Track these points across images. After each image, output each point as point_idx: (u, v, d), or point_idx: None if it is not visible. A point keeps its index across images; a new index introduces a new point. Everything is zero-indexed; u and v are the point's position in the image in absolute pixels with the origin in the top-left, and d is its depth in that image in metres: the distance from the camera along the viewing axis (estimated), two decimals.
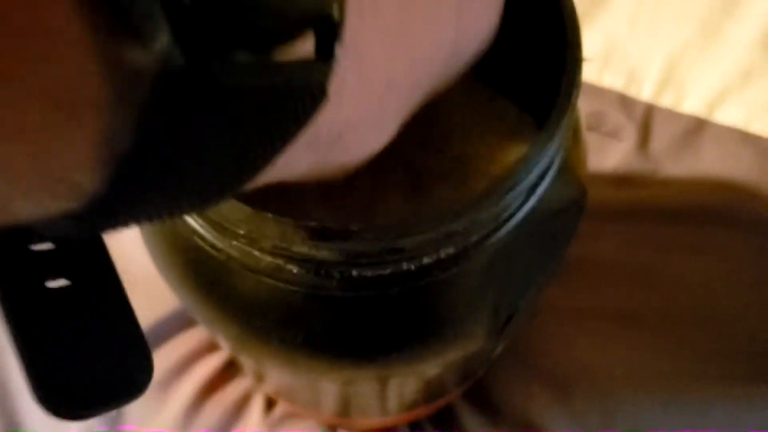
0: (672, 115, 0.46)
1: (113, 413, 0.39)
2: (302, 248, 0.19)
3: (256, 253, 0.20)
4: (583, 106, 0.45)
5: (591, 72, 0.47)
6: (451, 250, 0.21)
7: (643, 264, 0.42)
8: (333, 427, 0.39)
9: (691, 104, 0.47)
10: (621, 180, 0.45)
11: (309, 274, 0.21)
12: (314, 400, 0.35)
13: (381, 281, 0.21)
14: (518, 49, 0.25)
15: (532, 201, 0.22)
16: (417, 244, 0.20)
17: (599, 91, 0.47)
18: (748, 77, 0.47)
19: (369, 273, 0.21)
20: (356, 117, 0.16)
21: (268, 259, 0.20)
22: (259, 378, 0.37)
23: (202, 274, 0.24)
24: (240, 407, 0.40)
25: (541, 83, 0.24)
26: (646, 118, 0.46)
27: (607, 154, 0.45)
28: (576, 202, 0.27)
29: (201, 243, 0.22)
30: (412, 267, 0.21)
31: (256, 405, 0.40)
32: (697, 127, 0.46)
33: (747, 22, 0.48)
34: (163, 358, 0.40)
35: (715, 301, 0.42)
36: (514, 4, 0.22)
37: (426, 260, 0.21)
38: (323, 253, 0.19)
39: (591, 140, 0.45)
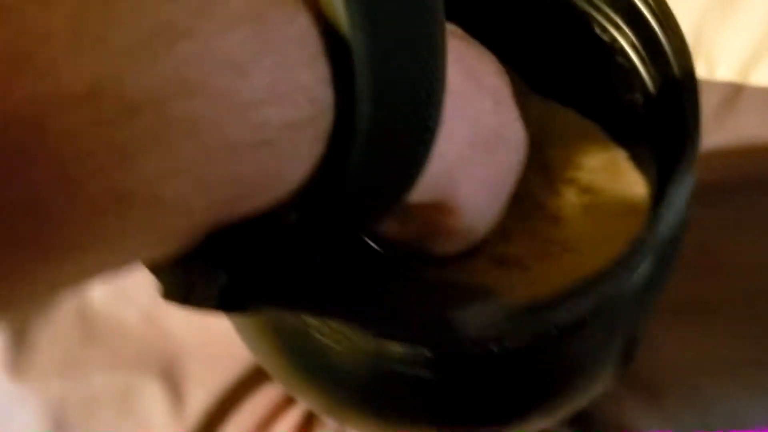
0: (706, 85, 0.45)
1: None
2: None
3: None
4: None
5: None
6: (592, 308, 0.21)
7: (704, 248, 0.41)
8: None
9: (724, 71, 0.45)
10: None
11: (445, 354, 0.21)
12: None
13: (519, 351, 0.21)
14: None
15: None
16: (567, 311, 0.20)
17: None
18: None
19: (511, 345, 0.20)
20: None
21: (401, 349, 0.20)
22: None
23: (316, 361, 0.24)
24: None
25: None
26: None
27: None
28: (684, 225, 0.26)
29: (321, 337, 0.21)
30: (554, 332, 0.21)
31: None
32: (734, 94, 0.45)
33: None
34: (239, 424, 0.39)
35: None
36: None
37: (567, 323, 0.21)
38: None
39: None
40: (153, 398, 0.39)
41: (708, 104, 0.44)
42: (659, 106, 0.25)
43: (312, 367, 0.25)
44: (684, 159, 0.22)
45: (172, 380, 0.40)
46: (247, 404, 0.40)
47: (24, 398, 0.40)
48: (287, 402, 0.40)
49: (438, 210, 0.23)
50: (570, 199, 0.27)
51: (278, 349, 0.26)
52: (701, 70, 0.45)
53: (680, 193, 0.21)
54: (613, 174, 0.28)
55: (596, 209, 0.27)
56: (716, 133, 0.44)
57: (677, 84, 0.23)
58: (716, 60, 0.46)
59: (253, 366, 0.40)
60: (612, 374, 0.26)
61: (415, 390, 0.23)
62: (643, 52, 0.25)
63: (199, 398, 0.39)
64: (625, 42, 0.26)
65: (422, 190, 0.20)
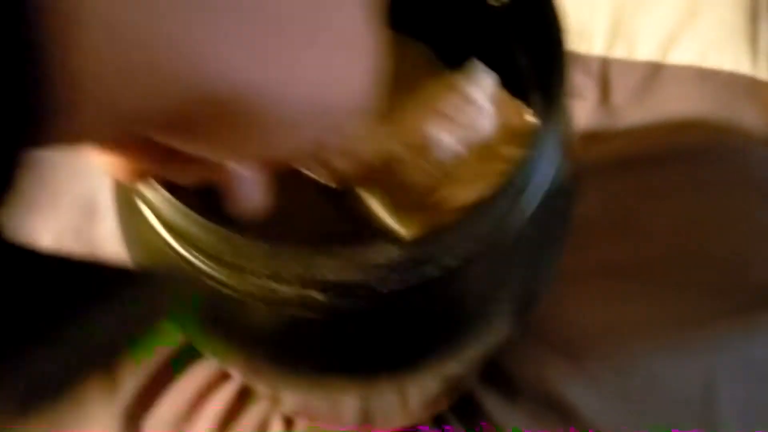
0: (627, 65, 0.47)
1: None
2: (330, 274, 0.19)
3: (280, 287, 0.21)
4: None
5: None
6: (474, 248, 0.22)
7: (626, 215, 0.43)
8: None
9: (644, 51, 0.47)
10: (590, 137, 0.45)
11: (335, 298, 0.21)
12: (335, 414, 0.35)
13: (407, 292, 0.21)
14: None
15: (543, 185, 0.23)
16: (445, 249, 0.20)
17: None
18: (695, 15, 0.48)
19: (396, 287, 0.21)
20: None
21: (292, 291, 0.21)
22: (276, 401, 0.37)
23: (216, 314, 0.24)
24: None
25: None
26: (603, 73, 0.47)
27: (574, 116, 0.46)
28: (574, 178, 0.27)
29: (214, 284, 0.22)
30: (436, 273, 0.21)
31: (276, 427, 0.40)
32: (653, 72, 0.47)
33: None
34: (173, 400, 0.40)
35: (700, 238, 0.42)
36: None
37: (451, 263, 0.21)
38: (350, 273, 0.20)
39: None
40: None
41: (630, 82, 0.46)
42: (540, 65, 0.26)
43: (209, 319, 0.25)
44: (550, 117, 0.23)
45: None
46: (179, 382, 0.40)
47: None
48: (222, 377, 0.41)
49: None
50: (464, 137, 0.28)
51: (206, 323, 0.26)
52: (623, 51, 0.47)
53: (548, 145, 0.22)
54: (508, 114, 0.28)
55: (487, 147, 0.27)
56: (638, 108, 0.46)
57: (550, 49, 0.24)
58: (637, 41, 0.47)
59: (181, 343, 0.41)
60: (507, 323, 0.27)
61: (307, 335, 0.24)
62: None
63: (131, 377, 0.40)
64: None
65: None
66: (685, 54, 0.47)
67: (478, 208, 0.21)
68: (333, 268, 0.20)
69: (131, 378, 0.40)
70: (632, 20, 0.48)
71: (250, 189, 0.21)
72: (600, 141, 0.45)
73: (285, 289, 0.21)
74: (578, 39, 0.47)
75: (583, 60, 0.47)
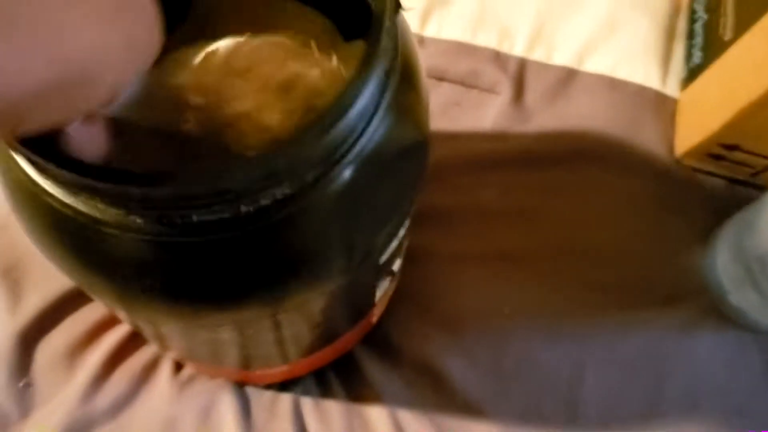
0: (543, 67, 0.49)
1: (21, 386, 0.40)
2: (135, 193, 0.21)
3: (100, 205, 0.22)
4: (460, 64, 0.48)
5: (465, 32, 0.50)
6: (286, 190, 0.23)
7: (522, 208, 0.45)
8: (241, 383, 0.42)
9: (561, 56, 0.50)
10: (499, 133, 0.48)
11: (151, 222, 0.22)
12: (214, 356, 0.37)
13: (222, 224, 0.23)
14: None
15: (363, 140, 0.24)
16: (245, 183, 0.22)
17: (474, 50, 0.49)
18: (614, 27, 0.50)
19: (209, 217, 0.23)
20: None
21: (112, 210, 0.22)
22: (160, 342, 0.39)
23: (59, 234, 0.26)
24: (148, 372, 0.41)
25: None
26: (519, 73, 0.49)
27: (486, 110, 0.48)
28: (417, 144, 0.29)
29: (52, 202, 0.23)
30: (251, 209, 0.23)
31: (164, 368, 0.41)
32: (567, 77, 0.49)
33: None
34: (68, 330, 0.42)
35: (590, 235, 0.45)
36: None
37: (263, 201, 0.23)
38: (156, 197, 0.21)
39: (470, 98, 0.48)
40: None
41: (544, 85, 0.49)
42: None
43: (74, 253, 0.26)
44: (364, 68, 0.23)
45: (11, 281, 0.42)
46: (78, 313, 0.42)
47: None
48: (117, 318, 0.43)
49: None
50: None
51: (53, 244, 0.28)
52: (541, 54, 0.50)
53: (362, 93, 0.22)
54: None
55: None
56: (549, 111, 0.48)
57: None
58: (555, 46, 0.50)
59: None
60: (340, 270, 0.28)
61: (146, 260, 0.25)
62: None
63: (34, 300, 0.42)
64: None
65: None
66: (599, 63, 0.49)
67: (278, 146, 0.22)
68: (171, 193, 0.21)
69: (36, 298, 0.42)
70: (554, 25, 0.50)
71: (83, 139, 0.22)
72: (509, 137, 0.47)
73: (106, 209, 0.22)
74: (501, 38, 0.50)
75: (501, 57, 0.49)
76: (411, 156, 0.29)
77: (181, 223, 0.23)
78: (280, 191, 0.23)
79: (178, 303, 0.27)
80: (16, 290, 0.42)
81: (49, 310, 0.41)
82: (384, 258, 0.31)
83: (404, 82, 0.28)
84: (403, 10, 0.25)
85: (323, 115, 0.22)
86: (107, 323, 0.42)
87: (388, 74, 0.24)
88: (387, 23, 0.23)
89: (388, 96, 0.25)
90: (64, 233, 0.25)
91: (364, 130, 0.24)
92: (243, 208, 0.23)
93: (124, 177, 0.21)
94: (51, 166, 0.21)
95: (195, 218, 0.22)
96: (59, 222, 0.25)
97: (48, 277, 0.42)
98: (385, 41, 0.23)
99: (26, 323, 0.41)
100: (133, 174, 0.21)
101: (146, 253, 0.25)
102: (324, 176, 0.24)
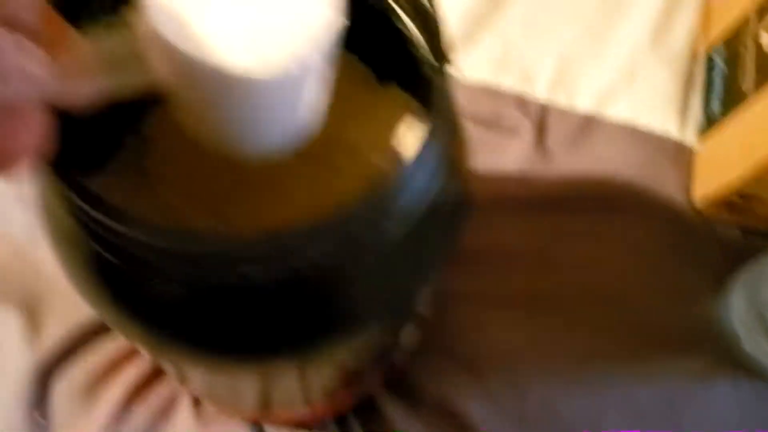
0: (565, 113, 0.50)
1: (41, 421, 0.40)
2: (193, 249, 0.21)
3: (151, 258, 0.22)
4: (483, 106, 0.49)
5: (488, 74, 0.50)
6: (335, 248, 0.23)
7: (542, 251, 0.46)
8: (259, 423, 0.41)
9: (583, 102, 0.50)
10: (521, 175, 0.48)
11: (197, 274, 0.22)
12: (234, 398, 0.37)
13: (271, 280, 0.23)
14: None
15: (414, 198, 0.24)
16: (297, 246, 0.22)
17: (497, 93, 0.50)
18: (634, 76, 0.51)
19: (262, 274, 0.22)
20: None
21: (161, 262, 0.22)
22: (182, 379, 0.39)
23: (98, 276, 0.25)
24: (168, 408, 0.41)
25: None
26: (541, 116, 0.50)
27: (507, 152, 0.48)
28: (464, 196, 0.29)
29: (97, 247, 0.23)
30: (303, 265, 0.23)
31: (184, 405, 0.41)
32: (588, 123, 0.50)
33: (631, 23, 0.52)
34: (87, 363, 0.41)
35: (607, 281, 0.45)
36: None
37: (316, 259, 0.23)
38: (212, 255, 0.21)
39: (491, 139, 0.48)
40: (8, 325, 0.41)
41: (565, 130, 0.49)
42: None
43: (119, 299, 0.26)
44: (428, 138, 0.23)
45: (31, 311, 0.42)
46: (98, 346, 0.42)
47: None
48: (136, 351, 0.42)
49: None
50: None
51: (96, 287, 0.28)
52: (562, 100, 0.50)
53: (423, 164, 0.23)
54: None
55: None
56: (570, 156, 0.49)
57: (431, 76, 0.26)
58: (577, 92, 0.50)
59: None
60: (381, 327, 0.28)
61: (175, 312, 0.25)
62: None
63: (54, 331, 0.41)
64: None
65: None
66: (620, 111, 0.50)
67: (329, 217, 0.22)
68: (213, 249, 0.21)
69: (55, 329, 0.41)
70: (576, 70, 0.51)
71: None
72: (531, 180, 0.48)
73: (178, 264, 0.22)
74: (523, 81, 0.50)
75: (524, 101, 0.50)
76: (457, 208, 0.29)
77: (234, 277, 0.23)
78: (331, 249, 0.23)
79: (208, 351, 0.27)
80: (35, 321, 0.42)
81: (69, 341, 0.41)
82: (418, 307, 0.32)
83: (453, 137, 0.28)
84: (449, 63, 0.25)
85: (387, 187, 0.22)
86: (127, 356, 0.42)
87: (444, 138, 0.25)
88: (445, 93, 0.23)
89: (441, 156, 0.25)
90: (105, 276, 0.25)
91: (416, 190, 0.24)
92: (292, 264, 0.23)
93: (181, 236, 0.21)
94: (106, 220, 0.21)
95: (249, 272, 0.23)
96: (100, 265, 0.25)
97: (68, 307, 0.42)
98: (444, 109, 0.23)
99: (45, 355, 0.41)
100: (189, 233, 0.21)
101: (184, 300, 0.25)
102: (375, 234, 0.24)
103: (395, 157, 0.29)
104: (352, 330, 0.28)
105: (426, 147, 0.22)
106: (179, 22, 0.20)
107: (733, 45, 0.49)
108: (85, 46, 0.21)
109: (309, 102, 0.23)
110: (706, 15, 0.54)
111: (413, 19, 0.26)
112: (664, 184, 0.48)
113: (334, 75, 0.24)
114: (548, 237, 0.46)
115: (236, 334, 0.26)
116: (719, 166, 0.47)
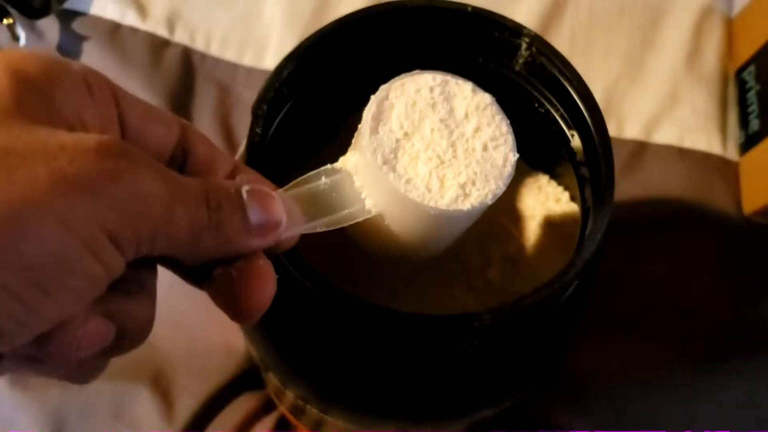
0: (616, 142, 0.54)
1: None
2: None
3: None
4: None
5: None
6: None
7: (614, 273, 0.49)
8: None
9: (631, 130, 0.54)
10: None
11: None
12: None
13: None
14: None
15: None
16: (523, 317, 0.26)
17: None
18: (675, 100, 0.55)
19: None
20: None
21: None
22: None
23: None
24: None
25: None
26: None
27: None
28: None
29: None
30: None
31: None
32: (639, 149, 0.54)
33: (666, 51, 0.56)
34: (219, 428, 0.45)
35: (676, 294, 0.49)
36: None
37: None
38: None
39: None
40: (144, 403, 0.44)
41: (618, 158, 0.53)
42: (585, 162, 0.32)
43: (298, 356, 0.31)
44: (601, 207, 0.29)
45: (160, 388, 0.45)
46: (228, 409, 0.45)
47: (24, 406, 0.44)
48: (264, 408, 0.46)
49: None
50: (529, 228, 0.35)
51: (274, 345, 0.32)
52: (612, 129, 0.54)
53: (598, 233, 0.28)
54: (556, 208, 0.36)
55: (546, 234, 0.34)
56: (626, 182, 0.53)
57: (595, 146, 0.31)
58: (625, 120, 0.54)
59: (232, 376, 0.46)
60: (538, 378, 0.33)
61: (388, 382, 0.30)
62: (569, 121, 0.33)
63: (187, 404, 0.44)
64: (556, 113, 0.33)
65: None
66: (665, 135, 0.54)
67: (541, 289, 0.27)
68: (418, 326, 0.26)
69: (188, 401, 0.45)
70: (621, 101, 0.55)
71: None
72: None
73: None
74: None
75: None
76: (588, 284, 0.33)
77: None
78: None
79: (374, 409, 0.31)
80: (167, 397, 0.45)
81: (203, 410, 0.44)
82: None
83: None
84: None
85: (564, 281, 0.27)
86: (256, 415, 0.45)
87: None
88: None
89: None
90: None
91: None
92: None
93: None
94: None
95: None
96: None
97: (193, 377, 0.45)
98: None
99: (183, 426, 0.44)
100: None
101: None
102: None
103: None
104: (515, 387, 0.32)
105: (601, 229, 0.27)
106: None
107: (763, 63, 0.53)
108: (286, 196, 0.24)
109: None
110: (731, 37, 0.58)
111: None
112: (716, 199, 0.52)
113: None
114: (616, 260, 0.50)
115: (415, 399, 0.30)
116: (764, 177, 0.51)
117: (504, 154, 0.26)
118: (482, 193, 0.25)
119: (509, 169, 0.26)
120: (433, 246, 0.29)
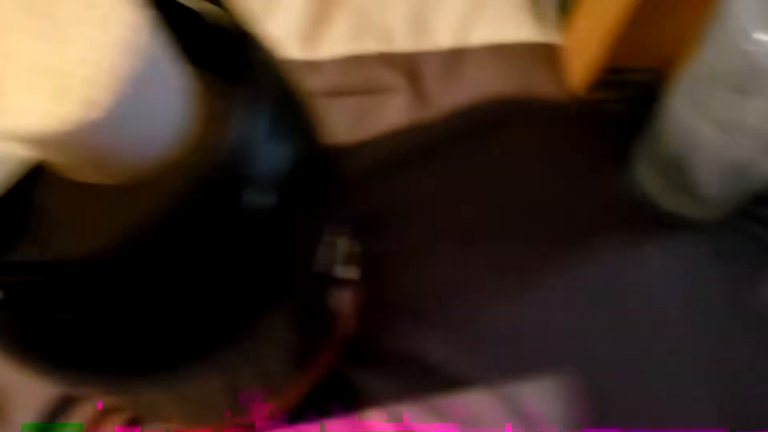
0: (431, 55, 0.52)
1: None
2: None
3: None
4: (353, 76, 0.50)
5: (350, 45, 0.52)
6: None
7: (452, 189, 0.47)
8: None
9: (445, 39, 0.52)
10: (410, 126, 0.50)
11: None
12: (198, 411, 0.38)
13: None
14: None
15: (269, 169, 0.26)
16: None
17: (363, 59, 0.52)
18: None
19: None
20: None
21: None
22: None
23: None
24: None
25: None
26: (410, 66, 0.51)
27: (388, 110, 0.50)
28: (327, 168, 0.31)
29: None
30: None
31: None
32: (456, 57, 0.52)
33: None
34: None
35: (519, 193, 0.48)
36: None
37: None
38: None
39: (371, 104, 0.50)
40: None
41: (436, 71, 0.51)
42: None
43: None
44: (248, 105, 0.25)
45: None
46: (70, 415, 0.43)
47: None
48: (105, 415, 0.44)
49: None
50: None
51: None
52: (425, 43, 0.52)
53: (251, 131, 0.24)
54: None
55: None
56: (446, 94, 0.50)
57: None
58: (437, 31, 0.52)
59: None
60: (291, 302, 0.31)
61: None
62: None
63: (22, 418, 0.43)
64: None
65: None
66: (480, 35, 0.52)
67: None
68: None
69: (23, 415, 0.43)
70: (429, 14, 0.53)
71: None
72: (420, 128, 0.50)
73: None
74: (384, 39, 0.52)
75: (389, 56, 0.52)
76: (325, 177, 0.30)
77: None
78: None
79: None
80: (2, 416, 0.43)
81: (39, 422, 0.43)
82: (319, 269, 0.33)
83: (289, 105, 0.29)
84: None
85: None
86: (103, 418, 0.43)
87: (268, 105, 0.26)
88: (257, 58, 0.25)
89: (277, 124, 0.27)
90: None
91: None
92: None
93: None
94: None
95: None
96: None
97: (27, 392, 0.44)
98: (261, 76, 0.25)
99: None
100: None
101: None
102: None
103: None
104: (261, 312, 0.29)
105: (249, 114, 0.24)
106: None
107: None
108: None
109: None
110: None
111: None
112: (544, 86, 0.50)
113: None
114: (450, 172, 0.48)
115: (137, 350, 0.28)
116: (583, 52, 0.49)
117: None
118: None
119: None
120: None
